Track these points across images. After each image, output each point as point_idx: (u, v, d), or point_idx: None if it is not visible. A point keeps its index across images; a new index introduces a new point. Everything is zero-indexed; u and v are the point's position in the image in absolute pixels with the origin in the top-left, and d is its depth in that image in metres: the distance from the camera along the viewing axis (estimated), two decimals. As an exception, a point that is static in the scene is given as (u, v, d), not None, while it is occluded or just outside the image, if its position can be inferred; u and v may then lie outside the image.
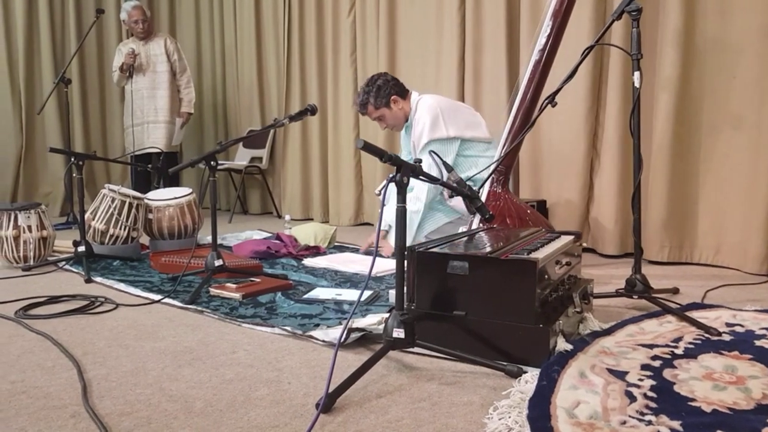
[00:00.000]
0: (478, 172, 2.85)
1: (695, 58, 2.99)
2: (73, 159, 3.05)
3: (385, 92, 3.09)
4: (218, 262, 2.57)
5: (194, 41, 6.26)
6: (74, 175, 3.07)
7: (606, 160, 3.30)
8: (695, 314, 2.07)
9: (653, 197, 3.12)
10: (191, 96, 5.16)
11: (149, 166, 4.83)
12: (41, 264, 3.13)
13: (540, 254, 1.72)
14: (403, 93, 3.15)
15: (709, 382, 1.48)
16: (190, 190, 3.64)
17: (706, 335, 1.86)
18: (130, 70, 4.90)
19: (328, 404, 1.36)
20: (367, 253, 3.28)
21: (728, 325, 1.97)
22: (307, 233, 3.63)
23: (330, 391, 1.38)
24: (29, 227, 3.13)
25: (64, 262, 3.15)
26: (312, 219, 5.13)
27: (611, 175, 3.26)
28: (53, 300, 2.42)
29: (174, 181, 5.08)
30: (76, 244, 3.08)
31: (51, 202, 5.57)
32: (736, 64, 2.88)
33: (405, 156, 3.33)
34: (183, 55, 5.14)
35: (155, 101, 4.98)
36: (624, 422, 1.27)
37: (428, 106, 3.03)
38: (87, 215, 3.26)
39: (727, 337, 1.84)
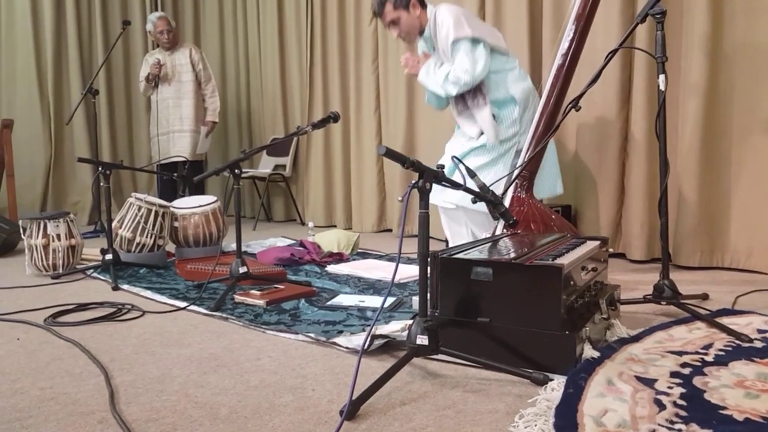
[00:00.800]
0: (502, 177, 2.82)
1: (723, 62, 2.94)
2: (100, 168, 3.10)
3: None
4: (243, 270, 2.59)
5: (218, 50, 6.34)
6: (102, 184, 3.12)
7: (633, 164, 3.26)
8: (725, 320, 2.02)
9: (683, 202, 3.07)
10: (216, 105, 5.21)
11: (175, 174, 4.89)
12: (70, 272, 3.18)
13: (565, 260, 1.70)
14: (424, 2, 3.04)
15: (741, 390, 1.44)
16: (215, 198, 3.67)
17: (737, 342, 1.82)
18: (155, 80, 4.98)
19: (352, 411, 1.36)
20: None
21: (760, 331, 1.92)
22: (330, 240, 3.64)
23: (354, 398, 1.38)
24: (58, 236, 3.19)
25: (91, 270, 3.19)
26: (335, 226, 5.14)
27: (638, 180, 3.22)
28: (81, 307, 2.45)
29: (199, 189, 5.14)
30: (103, 252, 3.12)
31: (79, 211, 5.67)
32: (764, 66, 2.82)
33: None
34: (208, 64, 5.21)
35: (180, 110, 5.04)
36: (653, 431, 1.24)
37: (447, 9, 2.93)
38: (114, 224, 3.31)
39: (759, 344, 1.80)
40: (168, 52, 5.05)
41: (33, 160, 5.53)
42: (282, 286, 2.63)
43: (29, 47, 5.51)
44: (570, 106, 2.20)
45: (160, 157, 5.05)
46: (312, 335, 1.97)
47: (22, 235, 3.23)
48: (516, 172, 2.69)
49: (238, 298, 2.48)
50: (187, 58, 5.06)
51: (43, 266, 3.18)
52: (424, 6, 3.04)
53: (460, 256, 1.77)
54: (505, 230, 2.54)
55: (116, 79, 6.00)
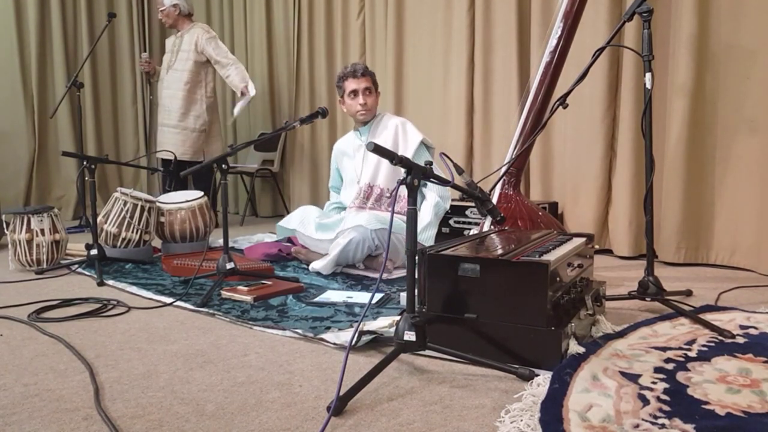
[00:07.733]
0: (489, 174, 2.84)
1: (709, 61, 2.97)
2: (85, 162, 3.06)
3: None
4: (230, 265, 2.58)
5: (205, 45, 6.28)
6: (87, 178, 3.08)
7: (620, 162, 3.28)
8: (709, 316, 2.05)
9: (668, 199, 3.10)
10: (241, 75, 4.44)
11: (161, 168, 4.80)
12: (54, 267, 3.15)
13: (552, 256, 1.71)
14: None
15: (723, 385, 1.46)
16: (202, 193, 3.65)
17: (720, 338, 1.84)
18: (149, 77, 4.81)
19: (339, 407, 1.36)
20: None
21: (742, 327, 1.95)
22: (317, 236, 3.63)
23: (341, 394, 1.38)
24: (42, 230, 3.16)
25: (76, 266, 3.16)
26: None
27: (625, 177, 3.25)
28: (66, 303, 2.43)
29: (199, 184, 4.84)
30: (88, 247, 3.10)
31: (64, 205, 5.60)
32: (750, 66, 2.85)
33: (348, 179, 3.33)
34: (220, 44, 4.51)
35: (171, 102, 4.61)
36: (637, 426, 1.26)
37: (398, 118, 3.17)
38: (99, 218, 3.28)
39: (741, 340, 1.82)
40: (178, 34, 4.62)
41: (16, 154, 5.46)
42: (269, 282, 2.62)
43: (12, 38, 5.42)
44: (557, 103, 2.21)
45: (156, 149, 4.78)
46: (299, 331, 1.97)
47: (5, 230, 3.19)
48: (504, 169, 2.70)
49: (225, 293, 2.47)
50: (192, 43, 4.46)
51: (27, 261, 3.15)
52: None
53: (448, 252, 1.77)
54: (492, 227, 2.56)
55: (101, 72, 5.92)
